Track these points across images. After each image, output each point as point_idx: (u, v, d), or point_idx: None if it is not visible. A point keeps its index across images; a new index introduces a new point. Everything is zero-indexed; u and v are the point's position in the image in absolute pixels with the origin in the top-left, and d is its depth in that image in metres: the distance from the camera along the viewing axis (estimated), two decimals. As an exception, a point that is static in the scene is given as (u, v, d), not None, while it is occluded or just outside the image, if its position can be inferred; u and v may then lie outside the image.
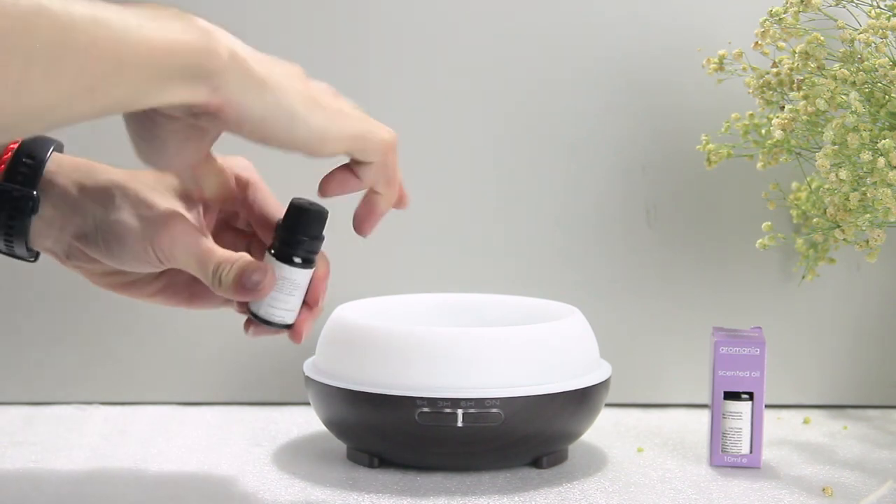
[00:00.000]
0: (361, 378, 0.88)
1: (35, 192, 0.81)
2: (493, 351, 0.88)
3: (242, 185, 0.85)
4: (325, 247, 1.07)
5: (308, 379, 0.92)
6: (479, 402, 0.86)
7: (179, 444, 0.98)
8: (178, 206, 0.83)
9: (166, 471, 0.91)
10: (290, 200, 0.80)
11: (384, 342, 0.89)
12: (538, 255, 1.09)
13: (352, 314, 0.94)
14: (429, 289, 1.05)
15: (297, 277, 0.81)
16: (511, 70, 1.07)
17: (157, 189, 0.83)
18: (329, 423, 0.92)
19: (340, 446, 0.94)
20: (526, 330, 0.89)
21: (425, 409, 0.86)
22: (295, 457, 0.95)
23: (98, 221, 0.82)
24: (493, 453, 0.89)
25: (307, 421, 1.03)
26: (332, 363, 0.91)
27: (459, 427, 0.86)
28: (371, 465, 0.91)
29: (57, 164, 0.83)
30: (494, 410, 0.86)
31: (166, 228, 0.80)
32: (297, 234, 0.80)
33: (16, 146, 0.83)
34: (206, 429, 1.02)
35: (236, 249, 0.84)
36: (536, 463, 0.91)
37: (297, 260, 0.80)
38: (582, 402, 0.90)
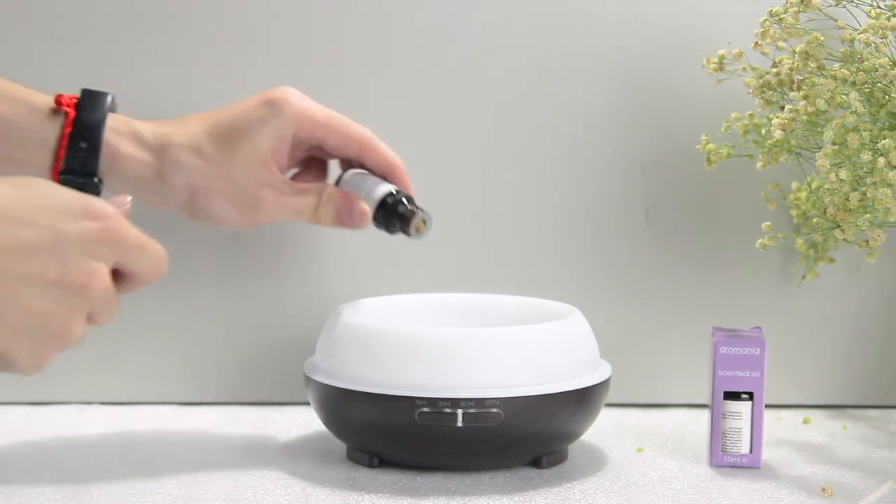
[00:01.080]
0: (361, 378, 0.88)
1: (96, 179, 0.85)
2: (493, 351, 0.88)
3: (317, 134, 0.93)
4: (326, 248, 1.07)
5: (308, 379, 0.92)
6: (479, 402, 0.86)
7: (179, 444, 0.98)
8: (261, 181, 0.90)
9: (166, 471, 0.91)
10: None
11: (384, 342, 0.89)
12: (538, 255, 1.09)
13: (352, 314, 0.94)
14: (429, 289, 1.05)
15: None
16: (511, 70, 1.07)
17: (238, 170, 0.89)
18: (329, 423, 0.92)
19: (340, 446, 0.94)
20: (526, 330, 0.89)
21: (425, 409, 0.86)
22: (295, 457, 0.95)
23: (184, 205, 0.90)
24: (493, 453, 0.89)
25: (307, 421, 1.03)
26: (332, 363, 0.91)
27: (459, 427, 0.86)
28: (371, 465, 0.91)
29: (114, 147, 0.88)
30: (494, 410, 0.86)
31: (260, 211, 0.90)
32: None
33: (69, 129, 0.86)
34: (206, 429, 1.02)
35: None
36: (536, 463, 0.91)
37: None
38: (582, 402, 0.90)
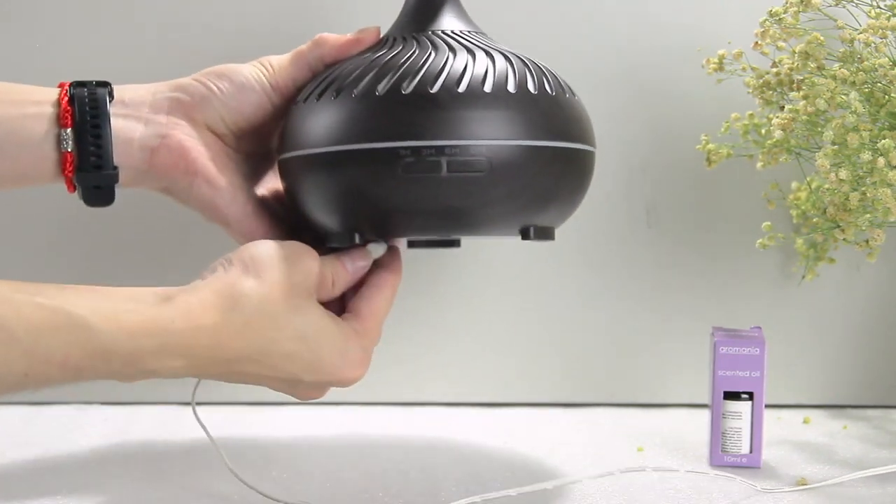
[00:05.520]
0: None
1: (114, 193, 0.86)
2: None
3: None
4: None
5: (283, 161, 0.86)
6: (465, 149, 0.81)
7: (179, 444, 0.98)
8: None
9: (166, 471, 0.91)
10: None
11: None
12: (538, 255, 1.09)
13: None
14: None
15: None
16: (511, 70, 1.07)
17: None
18: (307, 204, 0.86)
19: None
20: None
21: (409, 160, 0.81)
22: (295, 457, 0.95)
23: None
24: (478, 211, 0.83)
25: (307, 421, 1.03)
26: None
27: (444, 177, 0.81)
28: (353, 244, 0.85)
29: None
30: (480, 158, 0.81)
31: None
32: None
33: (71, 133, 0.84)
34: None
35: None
36: (524, 233, 0.85)
37: None
38: (569, 163, 0.85)
